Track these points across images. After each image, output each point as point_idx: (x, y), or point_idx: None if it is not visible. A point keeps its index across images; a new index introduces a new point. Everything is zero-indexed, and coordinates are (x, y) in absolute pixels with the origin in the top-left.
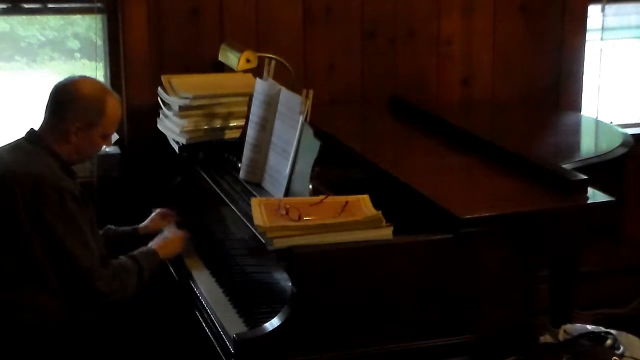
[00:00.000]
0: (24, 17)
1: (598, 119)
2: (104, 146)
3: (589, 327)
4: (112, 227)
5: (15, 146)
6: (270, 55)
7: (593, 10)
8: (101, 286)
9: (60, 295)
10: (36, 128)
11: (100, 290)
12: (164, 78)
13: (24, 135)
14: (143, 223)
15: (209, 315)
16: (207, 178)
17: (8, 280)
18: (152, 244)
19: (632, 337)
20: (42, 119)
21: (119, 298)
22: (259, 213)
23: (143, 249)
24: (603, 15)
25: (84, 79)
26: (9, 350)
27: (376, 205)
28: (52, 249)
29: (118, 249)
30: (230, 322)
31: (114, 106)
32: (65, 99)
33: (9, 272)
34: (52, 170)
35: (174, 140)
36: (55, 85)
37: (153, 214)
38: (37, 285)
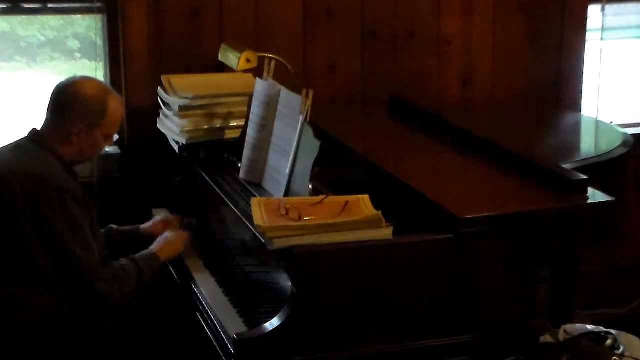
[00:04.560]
0: (24, 17)
1: (598, 119)
2: (106, 146)
3: (589, 327)
4: (114, 226)
5: (17, 146)
6: (270, 55)
7: (593, 10)
8: (101, 287)
9: (60, 295)
10: (38, 128)
11: (99, 291)
12: (164, 78)
13: (26, 135)
14: (145, 225)
15: (209, 315)
16: (207, 178)
17: (9, 279)
18: (153, 247)
19: (632, 337)
20: (44, 119)
21: (118, 300)
22: (259, 213)
23: (144, 252)
24: (603, 15)
25: (85, 79)
26: (9, 350)
27: (376, 205)
28: (52, 248)
29: (119, 249)
30: (230, 322)
31: (116, 106)
32: (67, 100)
33: (10, 271)
34: (53, 170)
35: (174, 140)
36: (56, 86)
37: (156, 219)
38: (37, 285)
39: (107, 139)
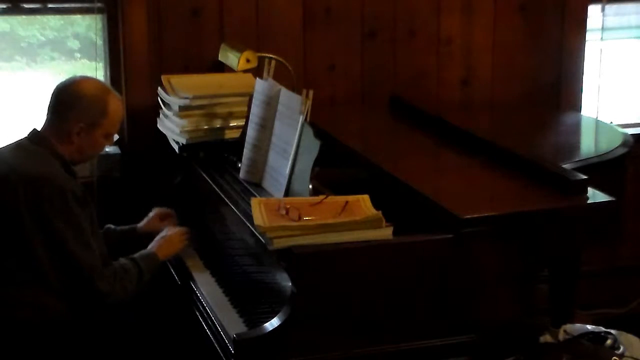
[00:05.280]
0: (24, 17)
1: (598, 119)
2: (106, 145)
3: (589, 327)
4: (112, 226)
5: (18, 146)
6: (270, 55)
7: (593, 10)
8: (102, 286)
9: (62, 294)
10: (38, 128)
11: (101, 290)
12: (164, 78)
13: (26, 135)
14: (141, 222)
15: (209, 315)
16: (207, 178)
17: (10, 278)
18: (152, 246)
19: (632, 337)
20: (45, 119)
21: (118, 299)
22: (259, 213)
23: (143, 251)
24: (603, 15)
25: (85, 79)
26: (10, 348)
27: (376, 205)
28: (53, 248)
29: (117, 248)
30: (230, 322)
31: (116, 106)
32: (68, 100)
33: (12, 270)
34: (54, 170)
35: (174, 140)
36: (57, 86)
37: (151, 214)
38: (39, 284)
39: (108, 138)
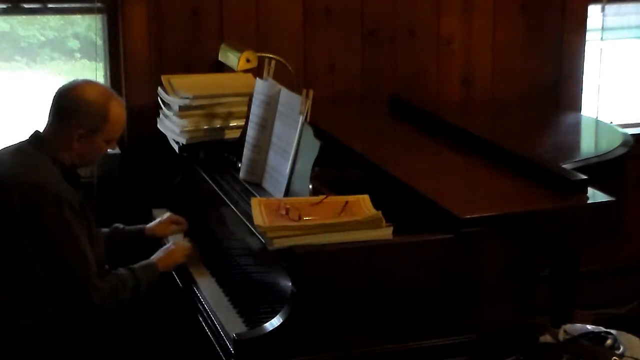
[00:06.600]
0: (24, 17)
1: (598, 119)
2: (108, 149)
3: (589, 327)
4: (120, 225)
5: (18, 149)
6: (270, 55)
7: (593, 10)
8: (95, 298)
9: (57, 302)
10: (40, 130)
11: (93, 303)
12: (164, 78)
13: (27, 138)
14: (151, 224)
15: (209, 315)
16: (207, 178)
17: (6, 284)
18: (154, 257)
19: (632, 337)
20: (46, 122)
21: (112, 312)
22: (259, 213)
23: (143, 262)
24: (603, 15)
25: (87, 83)
26: (7, 355)
27: (376, 205)
28: (47, 257)
29: (123, 249)
30: (230, 322)
31: (118, 111)
32: (68, 105)
33: (7, 277)
34: (53, 178)
35: (174, 140)
36: (58, 90)
37: (164, 217)
38: (34, 291)
39: (109, 143)
